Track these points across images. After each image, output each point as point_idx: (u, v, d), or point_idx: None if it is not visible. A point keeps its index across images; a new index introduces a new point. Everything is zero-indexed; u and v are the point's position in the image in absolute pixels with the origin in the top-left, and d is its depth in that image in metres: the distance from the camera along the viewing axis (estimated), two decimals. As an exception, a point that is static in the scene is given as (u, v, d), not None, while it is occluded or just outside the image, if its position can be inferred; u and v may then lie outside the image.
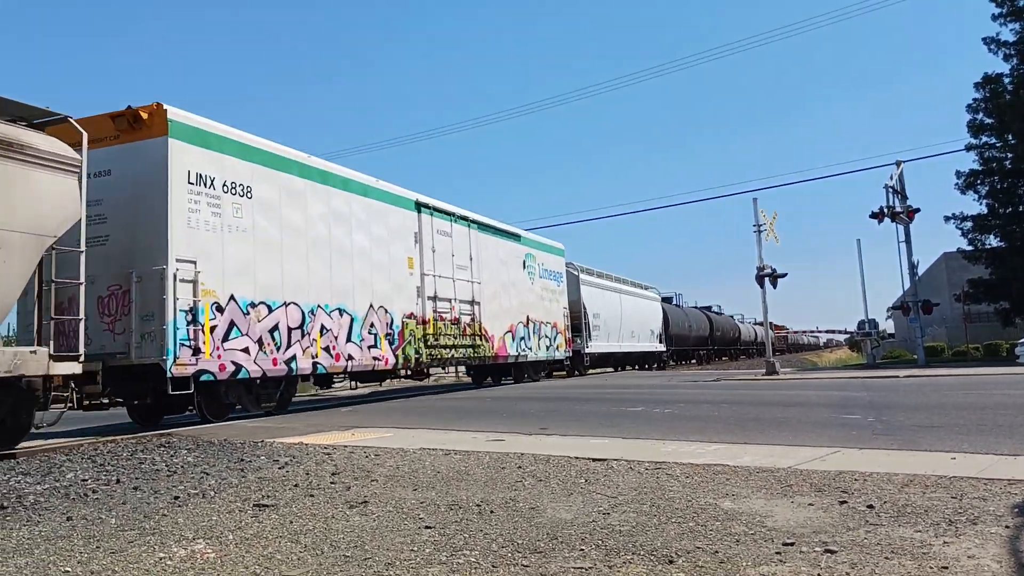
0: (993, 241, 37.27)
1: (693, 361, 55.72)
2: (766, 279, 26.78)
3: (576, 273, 32.45)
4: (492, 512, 5.36)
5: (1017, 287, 34.19)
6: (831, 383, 20.44)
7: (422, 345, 18.71)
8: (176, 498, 6.26)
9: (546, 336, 26.82)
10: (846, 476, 6.13)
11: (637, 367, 41.55)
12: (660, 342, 44.18)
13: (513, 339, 24.04)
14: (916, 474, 6.08)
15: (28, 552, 4.69)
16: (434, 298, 19.34)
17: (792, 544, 4.26)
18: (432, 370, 22.33)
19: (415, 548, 4.47)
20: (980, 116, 36.80)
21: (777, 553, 4.11)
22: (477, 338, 21.53)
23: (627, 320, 38.02)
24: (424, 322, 18.86)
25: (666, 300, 50.98)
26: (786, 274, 27.01)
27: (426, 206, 19.69)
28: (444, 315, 19.87)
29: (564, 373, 31.63)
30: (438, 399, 18.88)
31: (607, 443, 8.81)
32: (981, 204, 37.50)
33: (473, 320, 21.34)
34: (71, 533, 5.16)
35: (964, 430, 8.85)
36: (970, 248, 38.03)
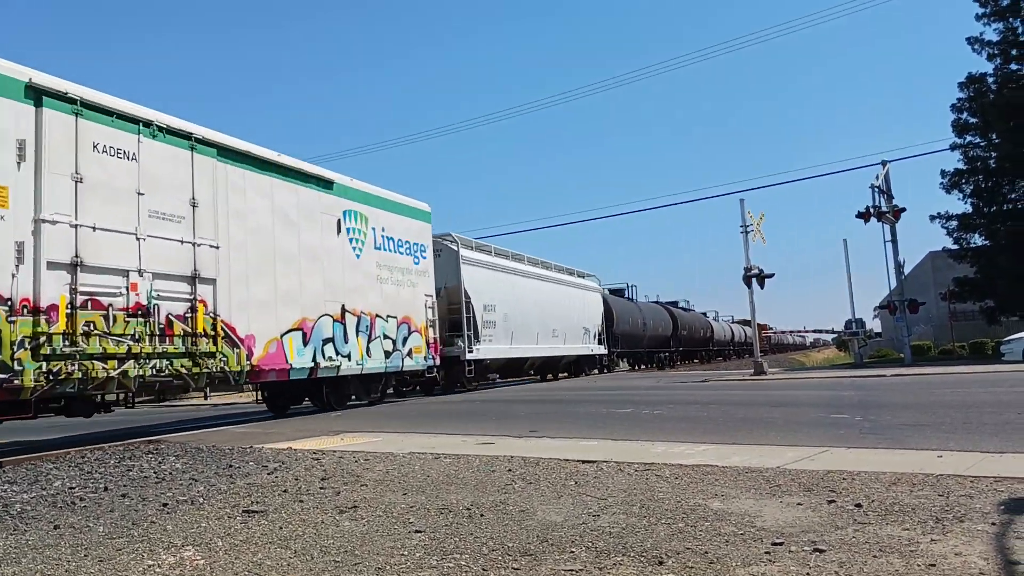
0: (978, 240, 37.53)
1: (646, 366, 46.46)
2: (753, 280, 26.88)
3: (455, 248, 23.68)
4: (482, 515, 5.35)
5: (1002, 285, 34.44)
6: (819, 383, 20.53)
7: (23, 354, 9.97)
8: (165, 505, 6.23)
9: (387, 337, 18.52)
10: (834, 475, 6.16)
11: (568, 374, 34.19)
12: (599, 343, 35.81)
13: (306, 342, 15.52)
14: (903, 472, 6.11)
15: (15, 561, 4.65)
16: (74, 266, 10.71)
17: (781, 544, 4.27)
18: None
19: (405, 552, 4.46)
20: (964, 116, 37.06)
21: (766, 553, 4.13)
22: (203, 341, 12.73)
23: (546, 315, 29.43)
24: (35, 310, 10.13)
25: (616, 292, 44.76)
26: (773, 274, 27.14)
27: (61, 97, 10.90)
28: (105, 299, 11.16)
29: (446, 388, 23.55)
30: (428, 403, 18.84)
31: (596, 445, 8.82)
32: (966, 203, 37.77)
33: (193, 310, 12.58)
34: (59, 542, 5.13)
35: (951, 428, 8.91)
36: (955, 247, 38.28)
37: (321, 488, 6.68)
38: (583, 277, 35.65)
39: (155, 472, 7.96)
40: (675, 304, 57.52)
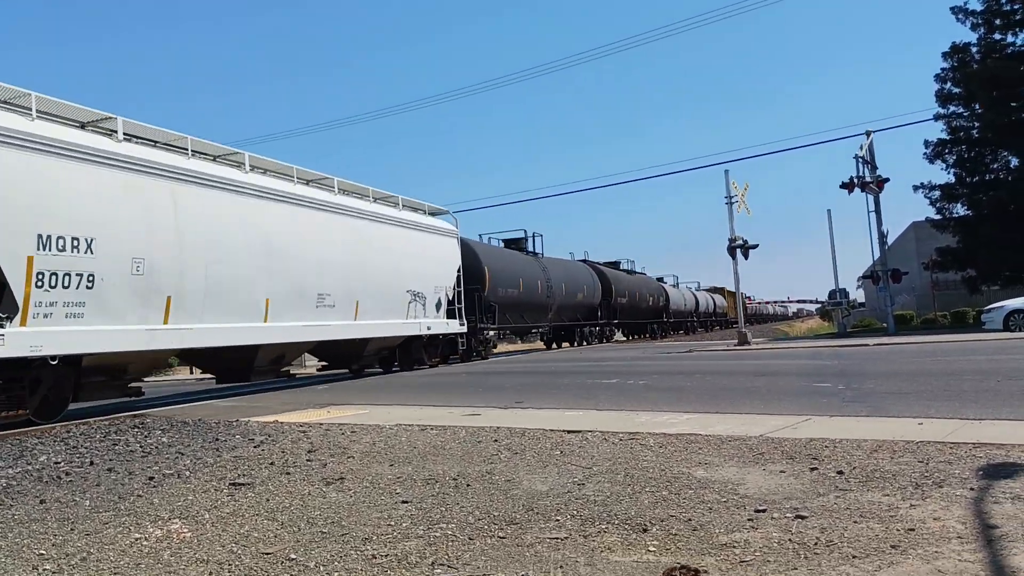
0: (960, 210, 37.72)
1: (559, 344, 37.47)
2: (738, 250, 26.97)
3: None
4: (468, 485, 5.39)
5: (984, 255, 34.70)
6: (802, 352, 20.70)
7: None
8: (151, 479, 6.23)
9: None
10: (817, 443, 6.23)
11: (385, 370, 21.13)
12: (457, 317, 22.98)
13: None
14: (884, 440, 6.19)
15: (1, 536, 4.66)
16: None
17: (764, 511, 4.33)
18: None
19: (392, 523, 4.49)
20: (948, 86, 37.10)
21: (749, 520, 4.18)
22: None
23: (297, 270, 15.81)
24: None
25: (513, 245, 32.46)
26: (757, 245, 27.29)
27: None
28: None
29: None
30: (416, 376, 18.88)
31: (582, 415, 8.88)
32: (949, 173, 37.91)
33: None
34: (45, 516, 5.13)
35: (931, 396, 9.02)
36: (938, 217, 38.48)
37: (308, 460, 6.70)
38: (417, 211, 21.82)
39: (141, 446, 7.96)
40: (617, 265, 45.32)
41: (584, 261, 40.86)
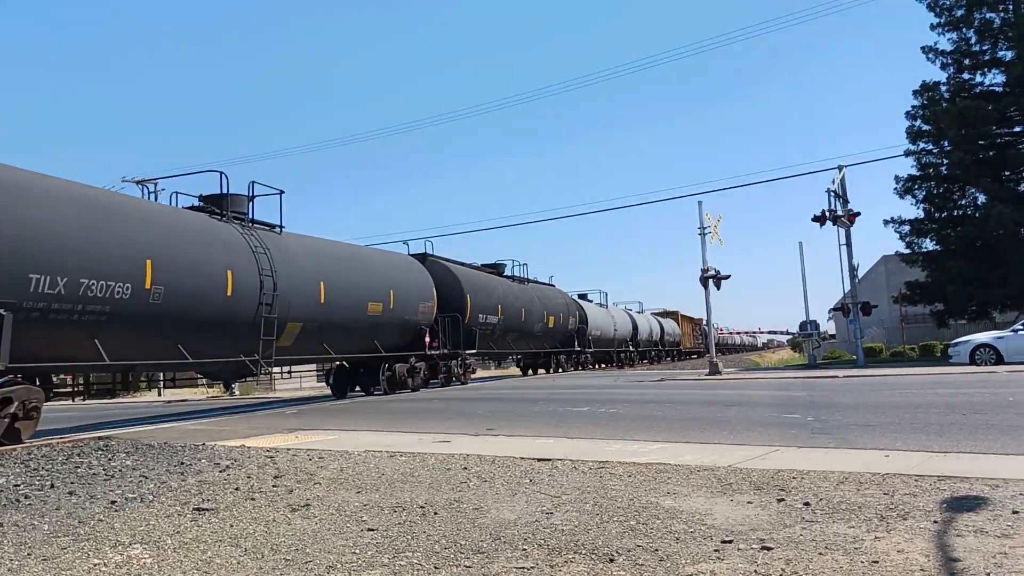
0: (929, 244, 38.22)
1: (534, 372, 36.44)
2: (710, 281, 27.17)
3: None
4: (436, 513, 5.35)
5: (952, 289, 35.15)
6: (773, 383, 20.82)
7: None
8: (113, 503, 6.13)
9: None
10: (784, 474, 6.26)
11: None
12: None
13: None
14: (851, 472, 6.23)
15: (-44, 560, 4.54)
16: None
17: (730, 541, 4.34)
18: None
19: (357, 551, 4.44)
20: (918, 123, 37.73)
21: (716, 551, 4.18)
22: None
23: None
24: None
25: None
26: (729, 276, 27.47)
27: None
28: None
29: None
30: (387, 401, 18.76)
31: (552, 443, 8.86)
32: (918, 208, 38.43)
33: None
34: (1, 540, 5.02)
35: (898, 428, 9.10)
36: (908, 251, 38.98)
37: (274, 486, 6.62)
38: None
39: (104, 469, 7.83)
40: (523, 280, 32.94)
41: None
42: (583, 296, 44.61)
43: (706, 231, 27.26)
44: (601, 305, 45.99)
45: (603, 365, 47.36)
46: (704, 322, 71.29)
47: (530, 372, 38.00)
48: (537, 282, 35.44)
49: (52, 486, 6.95)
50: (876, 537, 4.31)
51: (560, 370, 37.46)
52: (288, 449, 8.95)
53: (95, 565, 4.33)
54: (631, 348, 49.99)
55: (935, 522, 4.57)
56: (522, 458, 7.60)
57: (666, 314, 64.49)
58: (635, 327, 50.51)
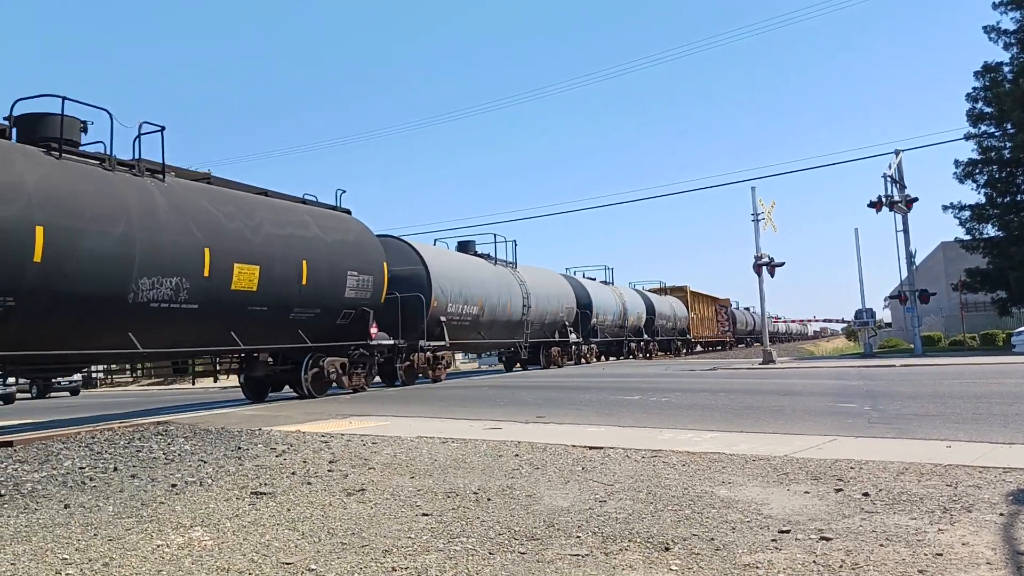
0: (991, 230, 37.26)
1: (523, 367, 28.63)
2: (764, 268, 26.79)
3: None
4: (489, 499, 5.37)
5: (1014, 276, 34.21)
6: (828, 372, 20.49)
7: None
8: (173, 486, 6.27)
9: None
10: (842, 464, 6.15)
11: None
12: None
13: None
14: (912, 462, 6.09)
15: (26, 539, 4.70)
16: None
17: (788, 531, 4.27)
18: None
19: (412, 535, 4.48)
20: (979, 105, 36.73)
21: (773, 540, 4.13)
22: None
23: None
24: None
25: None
26: (784, 263, 27.05)
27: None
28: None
29: None
30: (435, 388, 18.89)
31: (603, 431, 8.83)
32: (979, 193, 37.48)
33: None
34: (69, 521, 5.17)
35: (960, 419, 8.88)
36: (968, 237, 38.04)
37: (329, 471, 6.71)
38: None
39: (164, 453, 8.01)
40: (481, 254, 27.23)
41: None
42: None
43: (760, 217, 26.85)
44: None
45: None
46: (733, 305, 62.53)
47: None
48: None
49: (115, 469, 7.14)
50: (939, 529, 4.21)
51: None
52: (342, 434, 9.05)
53: (158, 546, 4.43)
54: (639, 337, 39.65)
55: (1001, 515, 4.45)
56: (573, 446, 7.58)
57: (668, 290, 48.56)
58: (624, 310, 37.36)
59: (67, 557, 4.27)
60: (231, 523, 4.94)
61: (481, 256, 25.47)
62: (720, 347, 57.29)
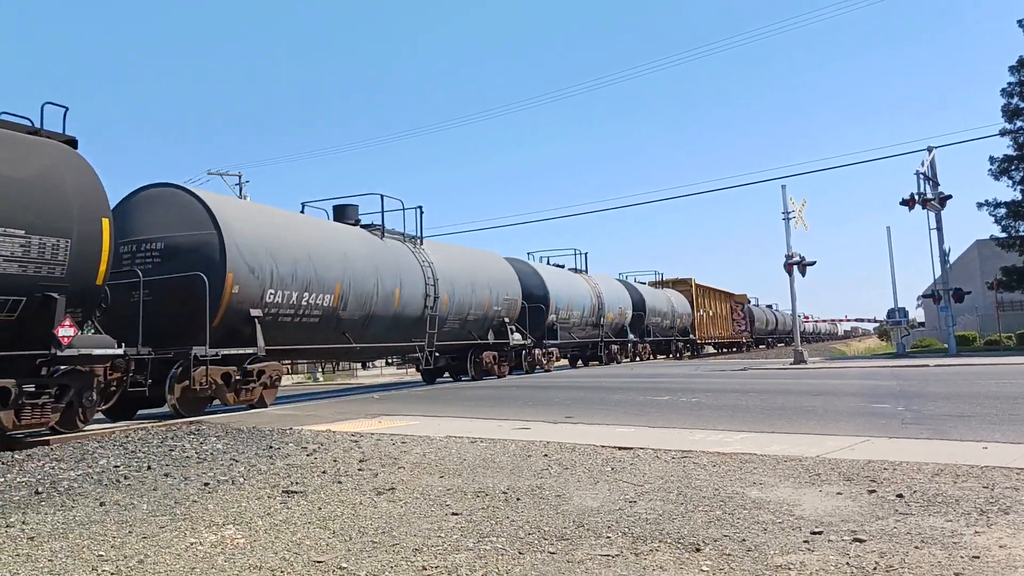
0: (1027, 228, 36.64)
1: (584, 364, 31.73)
2: (795, 267, 26.53)
3: None
4: (518, 499, 5.37)
5: (1051, 275, 33.62)
6: (860, 372, 20.25)
7: None
8: (206, 484, 6.33)
9: None
10: (875, 465, 6.08)
11: None
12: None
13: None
14: (947, 463, 6.01)
15: (63, 536, 4.77)
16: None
17: (820, 533, 4.23)
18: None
19: (443, 534, 4.49)
20: (1015, 100, 36.08)
21: (805, 542, 4.09)
22: None
23: None
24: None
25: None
26: (815, 262, 26.75)
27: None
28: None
29: None
30: (463, 388, 18.92)
31: (633, 432, 8.80)
32: (1015, 190, 36.80)
33: None
34: (104, 518, 5.24)
35: (996, 419, 8.74)
36: (1003, 235, 37.40)
37: (359, 470, 6.74)
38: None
39: (196, 452, 8.10)
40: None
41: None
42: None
43: (790, 215, 26.59)
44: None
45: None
46: (752, 302, 58.28)
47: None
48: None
49: (149, 468, 7.23)
50: (976, 532, 4.15)
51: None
52: (372, 434, 9.10)
53: (191, 544, 4.48)
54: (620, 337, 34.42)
55: (1040, 517, 4.37)
56: (603, 446, 7.57)
57: (664, 283, 43.53)
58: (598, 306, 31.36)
59: (103, 554, 4.33)
60: (263, 521, 4.99)
61: (363, 226, 18.69)
62: (735, 348, 52.78)
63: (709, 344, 47.84)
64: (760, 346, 61.54)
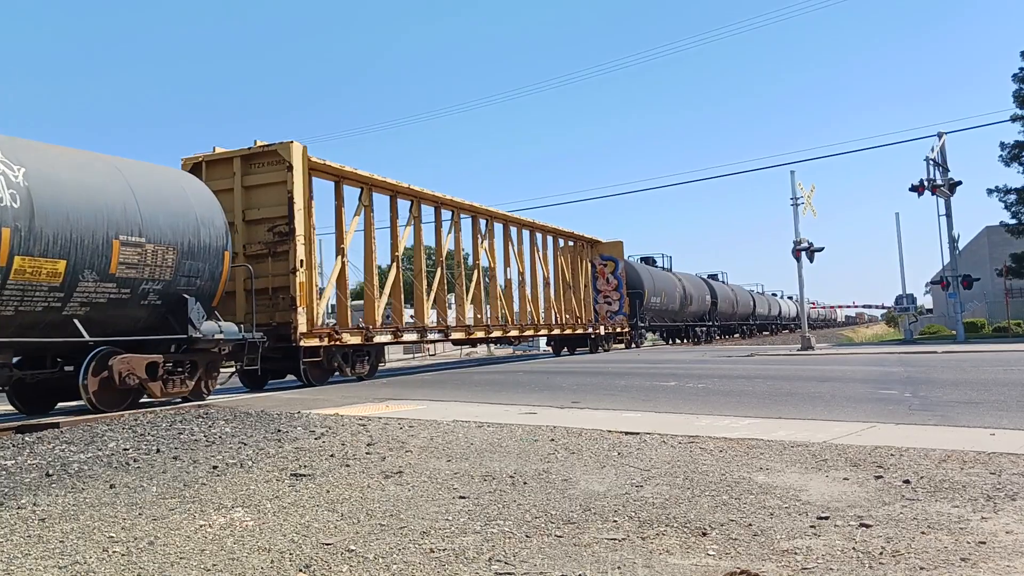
0: (1038, 215, 36.44)
1: (682, 340, 43.41)
2: (803, 253, 26.47)
3: None
4: (525, 483, 5.39)
5: (1061, 262, 33.46)
6: (867, 358, 20.22)
7: None
8: (215, 467, 6.37)
9: None
10: (882, 451, 6.08)
11: None
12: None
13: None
14: (954, 450, 6.01)
15: (74, 518, 4.81)
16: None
17: (827, 518, 4.24)
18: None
19: (450, 517, 4.52)
20: (1026, 86, 35.82)
21: (811, 527, 4.10)
22: None
23: None
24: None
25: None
26: (823, 248, 26.72)
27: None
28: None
29: None
30: (470, 373, 18.97)
31: (640, 417, 8.81)
32: (1025, 177, 36.64)
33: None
34: (114, 500, 5.28)
35: (1004, 406, 8.72)
36: (1013, 222, 37.21)
37: (367, 454, 6.78)
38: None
39: (205, 436, 8.14)
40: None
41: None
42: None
43: (799, 201, 26.51)
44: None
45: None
46: (764, 292, 65.35)
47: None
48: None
49: (158, 451, 7.27)
50: (983, 517, 4.15)
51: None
52: (380, 418, 9.14)
53: (200, 526, 4.51)
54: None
55: (1047, 503, 4.37)
56: (609, 431, 7.58)
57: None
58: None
59: (113, 535, 4.37)
60: (271, 504, 5.02)
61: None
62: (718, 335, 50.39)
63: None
64: (763, 332, 63.29)
